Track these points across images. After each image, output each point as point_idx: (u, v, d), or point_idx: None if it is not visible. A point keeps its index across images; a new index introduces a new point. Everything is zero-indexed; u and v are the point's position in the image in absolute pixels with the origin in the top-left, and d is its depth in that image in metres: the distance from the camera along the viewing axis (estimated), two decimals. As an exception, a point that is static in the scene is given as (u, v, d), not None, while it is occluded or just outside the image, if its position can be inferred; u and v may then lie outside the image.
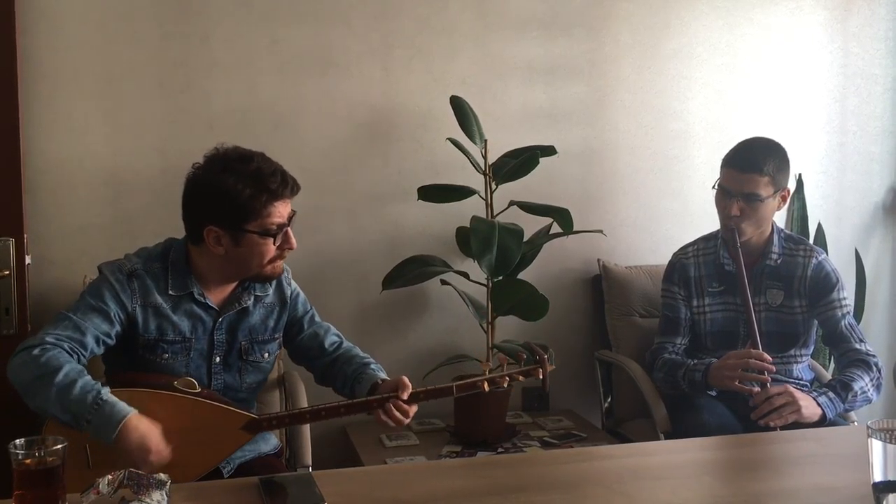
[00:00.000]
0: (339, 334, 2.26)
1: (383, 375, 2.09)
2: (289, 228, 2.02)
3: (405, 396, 1.93)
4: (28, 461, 1.39)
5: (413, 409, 1.96)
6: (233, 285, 2.10)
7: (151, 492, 1.44)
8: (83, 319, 1.93)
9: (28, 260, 2.56)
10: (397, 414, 1.93)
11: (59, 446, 1.41)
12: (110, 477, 1.45)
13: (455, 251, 3.03)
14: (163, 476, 1.49)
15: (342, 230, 3.03)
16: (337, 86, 2.98)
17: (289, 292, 2.19)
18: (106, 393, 1.81)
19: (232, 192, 1.94)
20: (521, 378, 2.01)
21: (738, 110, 3.37)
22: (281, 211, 1.99)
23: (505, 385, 2.01)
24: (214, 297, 2.08)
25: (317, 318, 2.25)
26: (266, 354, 2.16)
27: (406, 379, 1.96)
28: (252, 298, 2.11)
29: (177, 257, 2.05)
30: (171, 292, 2.03)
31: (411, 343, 3.11)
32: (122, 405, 1.80)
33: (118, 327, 1.98)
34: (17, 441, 1.41)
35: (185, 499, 1.54)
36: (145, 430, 1.79)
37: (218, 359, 2.08)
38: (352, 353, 2.20)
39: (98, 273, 2.03)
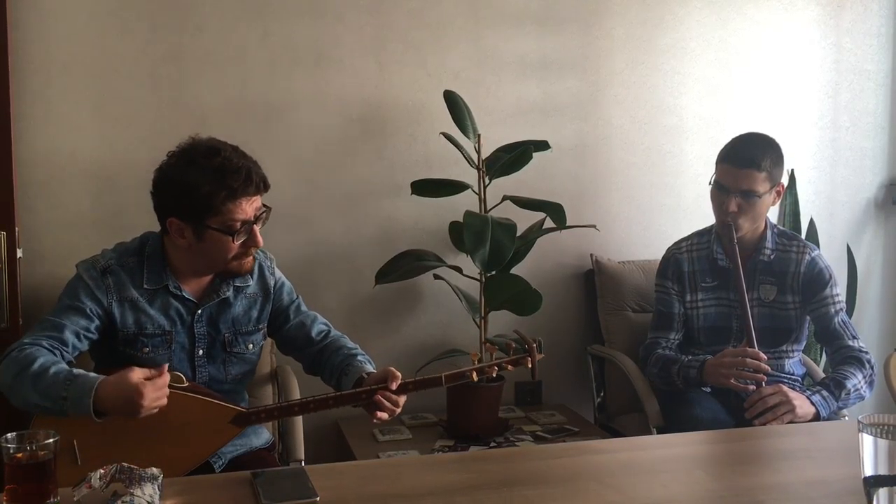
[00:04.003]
0: (326, 323, 2.24)
1: (370, 368, 2.08)
2: (255, 226, 1.98)
3: (394, 387, 1.91)
4: (19, 455, 1.39)
5: (402, 400, 1.94)
6: (209, 277, 2.08)
7: (143, 486, 1.43)
8: (59, 318, 1.94)
9: (19, 253, 2.55)
10: (387, 404, 1.91)
11: (51, 440, 1.41)
12: (102, 471, 1.45)
13: (448, 246, 3.03)
14: (155, 470, 1.49)
15: (335, 224, 3.03)
16: (330, 80, 2.97)
17: (272, 282, 2.17)
18: (77, 370, 1.80)
19: (192, 187, 1.91)
20: (509, 367, 2.00)
21: (732, 105, 3.37)
22: (245, 208, 1.94)
23: (494, 374, 2.02)
24: (192, 289, 2.06)
25: (303, 308, 2.23)
26: (250, 346, 2.14)
27: (395, 370, 1.94)
28: (232, 289, 2.09)
29: (153, 250, 2.04)
30: (146, 286, 2.02)
31: (404, 337, 3.11)
32: (93, 374, 1.78)
33: (97, 321, 1.97)
34: (9, 435, 1.41)
35: (178, 493, 1.54)
36: (116, 380, 1.74)
37: (201, 351, 2.07)
38: (339, 344, 2.18)
39: (75, 271, 2.03)
